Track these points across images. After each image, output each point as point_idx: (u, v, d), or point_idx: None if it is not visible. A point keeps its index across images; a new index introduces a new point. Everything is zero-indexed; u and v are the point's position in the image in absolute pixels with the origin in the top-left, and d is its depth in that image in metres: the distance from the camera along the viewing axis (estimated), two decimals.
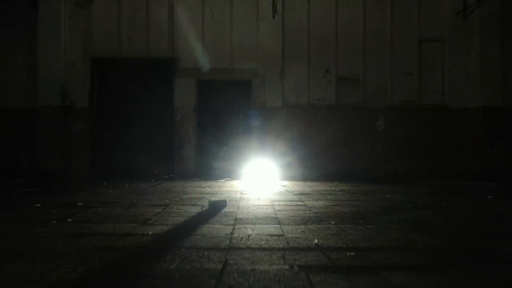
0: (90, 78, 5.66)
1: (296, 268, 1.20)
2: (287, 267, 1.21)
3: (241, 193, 3.37)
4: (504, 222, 2.03)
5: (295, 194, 3.30)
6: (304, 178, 5.16)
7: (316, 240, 1.57)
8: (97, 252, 1.37)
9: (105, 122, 5.76)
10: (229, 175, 5.39)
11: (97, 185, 4.06)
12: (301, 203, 2.75)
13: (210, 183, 4.48)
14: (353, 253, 1.37)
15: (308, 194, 3.33)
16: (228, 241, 1.55)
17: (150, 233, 1.71)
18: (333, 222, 1.98)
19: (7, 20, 5.62)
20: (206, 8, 5.66)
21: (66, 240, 1.55)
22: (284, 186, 4.13)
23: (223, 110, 5.83)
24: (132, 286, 1.03)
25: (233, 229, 1.81)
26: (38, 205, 2.53)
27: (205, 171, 5.64)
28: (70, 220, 2.00)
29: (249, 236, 1.66)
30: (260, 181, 4.76)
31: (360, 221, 2.00)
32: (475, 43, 5.60)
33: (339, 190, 3.62)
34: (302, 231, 1.76)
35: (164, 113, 5.72)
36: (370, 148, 5.76)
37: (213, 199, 2.67)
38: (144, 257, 1.33)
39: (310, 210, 2.41)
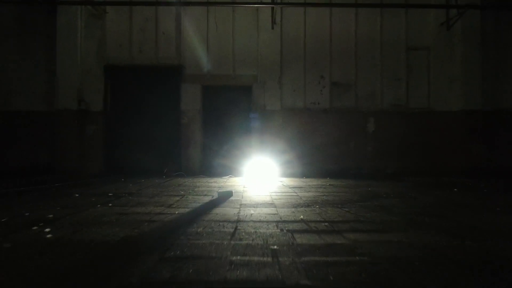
0: (103, 83, 6.20)
1: (285, 231, 1.76)
2: (279, 230, 1.77)
3: (244, 187, 3.92)
4: (451, 206, 2.58)
5: (290, 188, 3.85)
6: (301, 175, 5.71)
7: (302, 216, 2.13)
8: (142, 223, 1.93)
9: (117, 124, 6.30)
10: (232, 172, 5.95)
11: (117, 180, 4.61)
12: (295, 194, 3.30)
13: (215, 179, 5.04)
14: (327, 224, 1.93)
15: (302, 187, 3.88)
16: (236, 217, 2.11)
17: (177, 212, 2.27)
18: (317, 206, 2.53)
19: (28, 29, 6.17)
20: (211, 18, 6.21)
21: (116, 216, 2.11)
22: (281, 181, 4.69)
23: (226, 112, 6.38)
24: (176, 239, 1.58)
25: (239, 210, 2.36)
26: (77, 195, 3.08)
27: (210, 169, 6.19)
28: (110, 205, 2.56)
29: (251, 214, 2.21)
30: (260, 178, 5.30)
31: (339, 206, 2.56)
32: (457, 52, 6.14)
33: (329, 185, 4.17)
34: (292, 211, 2.32)
35: (172, 116, 6.27)
36: (361, 148, 6.31)
37: (221, 190, 3.22)
38: (177, 225, 1.89)
39: (301, 198, 2.96)
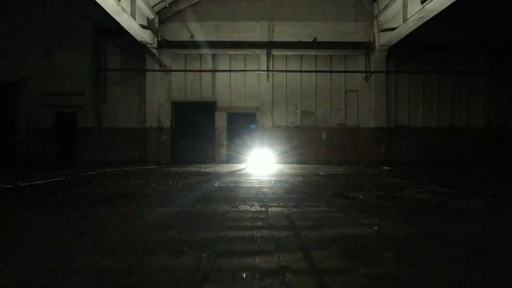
0: (171, 111, 11.46)
1: (269, 175, 7.08)
2: (268, 174, 7.08)
3: (251, 166, 9.20)
4: (328, 168, 7.83)
5: (275, 167, 9.13)
6: (283, 163, 10.99)
7: (275, 170, 7.45)
8: (223, 172, 7.23)
9: (178, 135, 11.56)
10: (244, 161, 11.22)
11: (187, 165, 9.86)
12: (275, 168, 8.58)
13: (236, 164, 10.30)
14: (282, 172, 7.25)
15: (280, 166, 9.16)
16: (255, 171, 7.41)
17: (236, 169, 7.57)
18: (282, 167, 7.83)
19: (127, 81, 11.42)
20: (232, 76, 11.49)
21: (218, 168, 7.40)
22: (271, 165, 9.97)
23: (240, 128, 11.65)
24: (242, 171, 6.88)
25: (255, 169, 7.66)
26: (189, 168, 8.36)
27: (232, 160, 11.48)
28: (210, 170, 7.83)
29: (260, 170, 7.52)
30: (260, 164, 10.57)
31: (292, 172, 7.86)
32: (373, 93, 11.45)
33: (291, 166, 9.47)
34: (276, 171, 7.62)
35: (209, 130, 11.54)
36: (319, 148, 11.60)
37: (245, 165, 8.48)
38: (233, 173, 7.18)
39: (279, 170, 8.25)
